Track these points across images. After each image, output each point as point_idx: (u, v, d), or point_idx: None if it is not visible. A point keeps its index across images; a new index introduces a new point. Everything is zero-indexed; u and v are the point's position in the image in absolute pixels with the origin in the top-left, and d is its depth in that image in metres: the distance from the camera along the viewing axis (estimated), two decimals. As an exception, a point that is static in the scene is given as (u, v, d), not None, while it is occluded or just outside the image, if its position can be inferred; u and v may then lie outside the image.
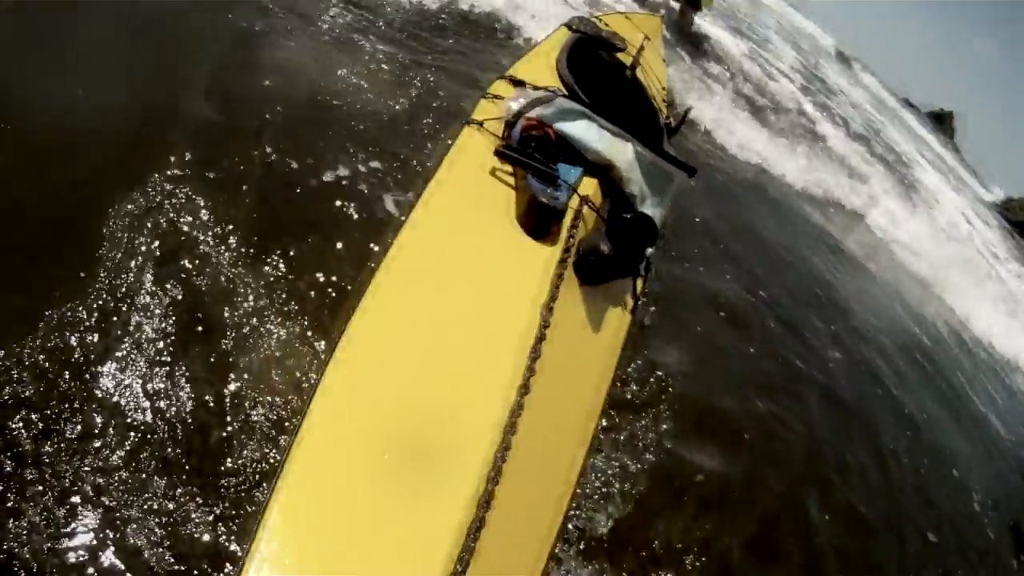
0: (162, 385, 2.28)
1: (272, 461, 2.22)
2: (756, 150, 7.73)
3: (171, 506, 2.03)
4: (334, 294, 2.80)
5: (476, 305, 1.97)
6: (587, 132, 2.58)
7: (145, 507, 2.00)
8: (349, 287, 2.82)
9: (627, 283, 2.57)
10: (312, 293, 2.78)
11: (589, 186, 2.49)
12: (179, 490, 2.07)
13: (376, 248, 3.02)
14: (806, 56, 20.58)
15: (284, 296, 2.71)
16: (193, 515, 2.04)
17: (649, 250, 2.55)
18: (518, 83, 2.94)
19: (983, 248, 14.91)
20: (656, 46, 4.96)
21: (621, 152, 2.60)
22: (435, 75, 4.69)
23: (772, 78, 12.80)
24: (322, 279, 2.84)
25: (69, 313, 2.31)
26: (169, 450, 2.14)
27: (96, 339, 2.29)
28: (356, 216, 3.21)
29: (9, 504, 1.89)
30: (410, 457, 1.57)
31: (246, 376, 2.41)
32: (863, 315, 6.03)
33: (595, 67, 3.61)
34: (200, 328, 2.47)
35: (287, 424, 2.31)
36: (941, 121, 41.96)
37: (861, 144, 13.49)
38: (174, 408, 2.24)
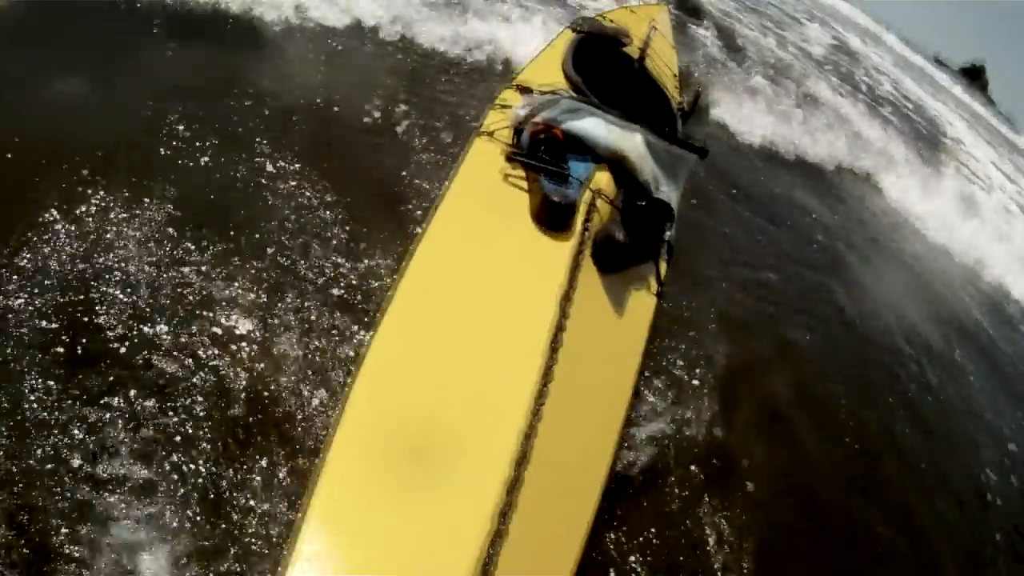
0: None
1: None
2: (770, 126, 7.62)
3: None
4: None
5: (496, 303, 2.07)
6: (595, 128, 2.66)
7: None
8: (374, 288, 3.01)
9: (649, 267, 2.64)
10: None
11: (602, 179, 2.55)
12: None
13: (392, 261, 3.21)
14: (827, 25, 20.17)
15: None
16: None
17: (668, 233, 2.62)
18: (525, 89, 3.01)
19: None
20: (664, 33, 4.99)
21: (630, 142, 2.67)
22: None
23: (788, 50, 12.63)
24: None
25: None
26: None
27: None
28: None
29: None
30: (439, 446, 1.66)
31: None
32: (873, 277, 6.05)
33: (603, 64, 3.69)
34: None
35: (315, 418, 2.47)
36: (974, 75, 40.78)
37: (887, 108, 13.21)
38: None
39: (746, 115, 7.43)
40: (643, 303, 2.54)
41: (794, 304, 4.71)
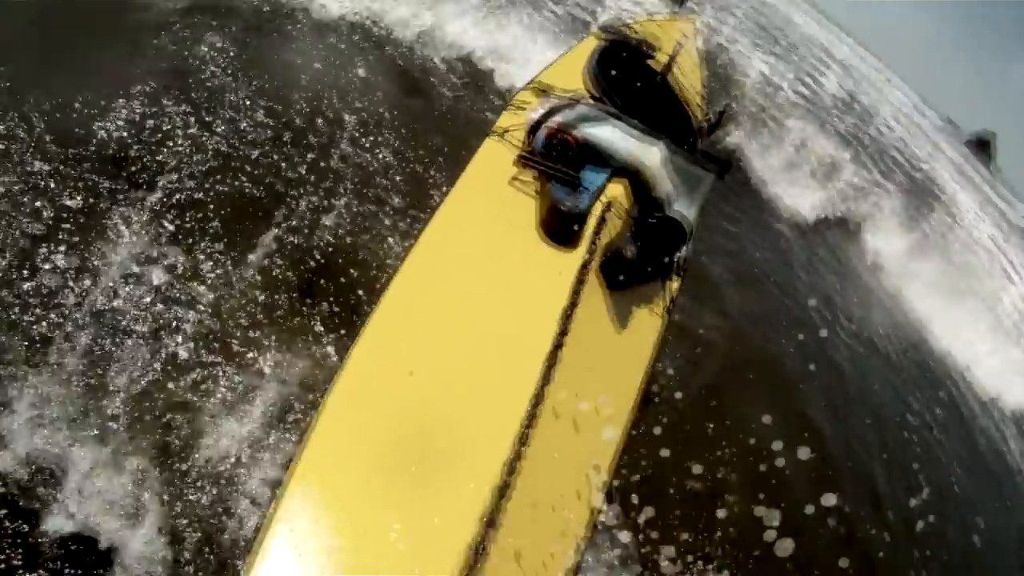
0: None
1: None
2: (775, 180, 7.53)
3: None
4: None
5: (493, 314, 1.92)
6: (612, 136, 2.50)
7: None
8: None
9: (659, 286, 2.49)
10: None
11: (616, 190, 2.40)
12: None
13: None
14: (843, 79, 20.24)
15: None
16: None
17: (680, 252, 2.47)
18: (543, 91, 2.86)
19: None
20: (691, 49, 4.84)
21: (649, 154, 2.50)
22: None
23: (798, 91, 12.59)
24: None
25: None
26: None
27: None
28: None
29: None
30: (419, 463, 1.52)
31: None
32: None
33: (626, 72, 3.55)
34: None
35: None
36: (982, 145, 41.17)
37: (890, 168, 13.18)
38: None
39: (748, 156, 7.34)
40: (649, 322, 2.38)
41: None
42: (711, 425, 3.39)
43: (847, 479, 4.11)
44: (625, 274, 2.19)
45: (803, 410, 4.33)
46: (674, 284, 2.58)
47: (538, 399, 1.67)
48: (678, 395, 3.31)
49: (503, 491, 1.48)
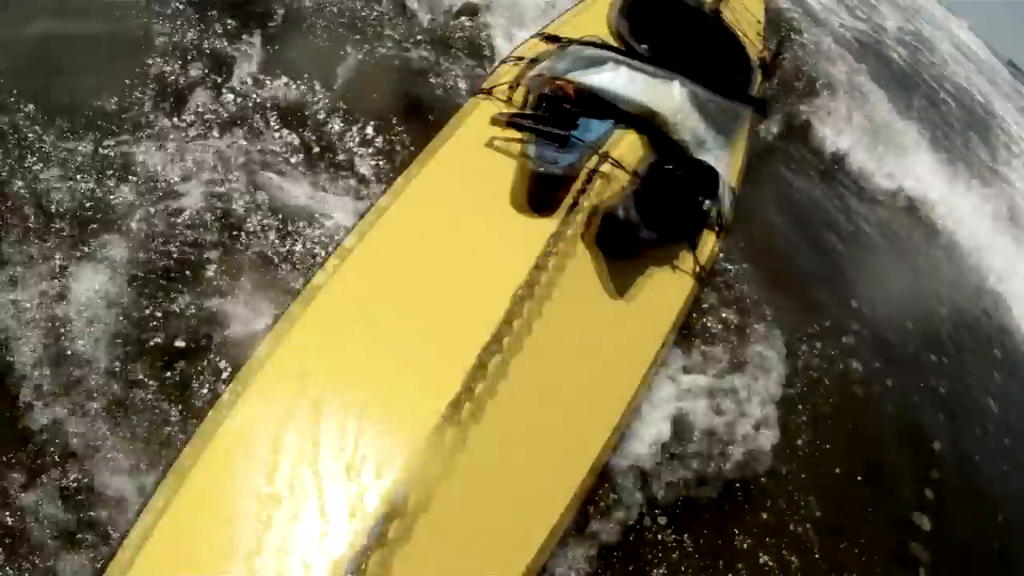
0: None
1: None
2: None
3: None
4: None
5: (453, 295, 1.63)
6: (615, 79, 2.16)
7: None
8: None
9: (682, 249, 2.09)
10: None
11: (623, 142, 2.04)
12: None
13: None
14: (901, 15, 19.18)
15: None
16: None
17: (716, 203, 2.10)
18: (554, 39, 2.48)
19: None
20: None
21: (664, 95, 2.16)
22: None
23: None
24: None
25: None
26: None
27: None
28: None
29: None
30: (356, 412, 1.38)
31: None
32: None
33: (668, 9, 3.14)
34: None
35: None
36: (1047, 85, 39.26)
37: (952, 101, 12.40)
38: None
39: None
40: (669, 293, 2.01)
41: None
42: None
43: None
44: (623, 240, 1.83)
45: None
46: (711, 242, 2.19)
47: (470, 383, 1.42)
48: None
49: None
